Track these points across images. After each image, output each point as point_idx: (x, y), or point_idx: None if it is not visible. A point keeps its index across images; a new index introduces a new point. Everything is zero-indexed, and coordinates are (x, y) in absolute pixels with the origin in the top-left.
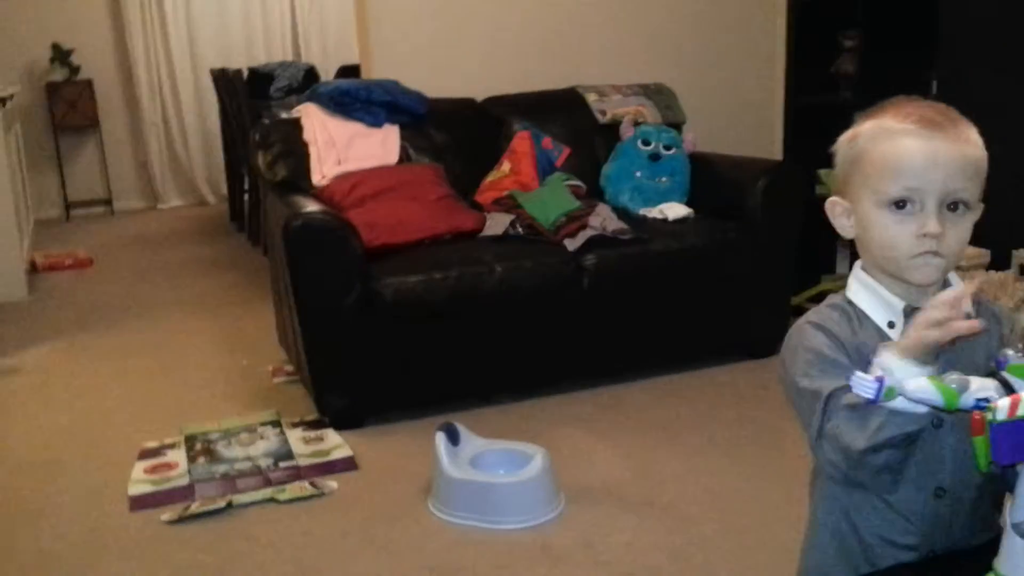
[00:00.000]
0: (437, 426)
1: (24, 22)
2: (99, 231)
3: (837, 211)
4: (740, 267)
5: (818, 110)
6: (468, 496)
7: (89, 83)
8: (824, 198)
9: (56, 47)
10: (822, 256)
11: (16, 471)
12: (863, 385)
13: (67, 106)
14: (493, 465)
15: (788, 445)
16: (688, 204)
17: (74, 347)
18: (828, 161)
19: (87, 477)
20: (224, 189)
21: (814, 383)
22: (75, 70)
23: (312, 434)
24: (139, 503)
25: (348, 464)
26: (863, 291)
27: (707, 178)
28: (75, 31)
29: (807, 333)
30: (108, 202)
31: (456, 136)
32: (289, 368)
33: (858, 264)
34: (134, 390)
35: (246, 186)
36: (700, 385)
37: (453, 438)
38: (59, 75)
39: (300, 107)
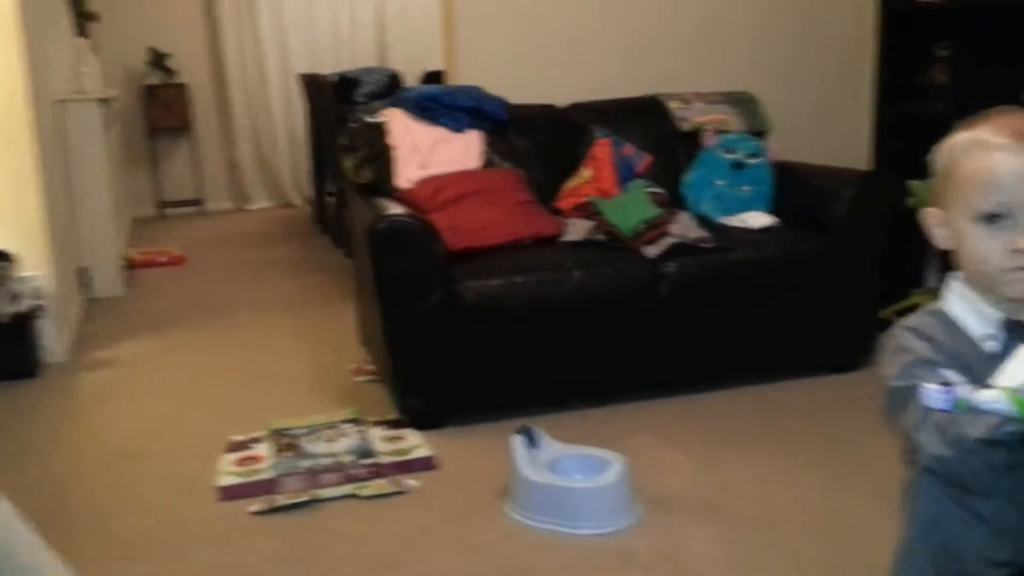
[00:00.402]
0: (515, 429)
1: (125, 27)
2: (191, 230)
3: (933, 222)
4: (824, 279)
5: (908, 120)
6: (545, 500)
7: (184, 87)
8: (914, 210)
9: (153, 51)
10: (911, 269)
11: (113, 459)
12: (934, 397)
13: (162, 108)
14: (570, 470)
15: (873, 462)
16: (771, 214)
17: (167, 341)
18: (918, 172)
19: (178, 467)
20: (309, 192)
21: (913, 380)
22: (171, 74)
23: (393, 433)
24: (227, 494)
25: (427, 464)
26: (959, 302)
27: (791, 187)
28: (172, 36)
29: (904, 337)
30: (199, 202)
31: (537, 142)
32: (371, 368)
33: (954, 275)
34: (223, 385)
35: (331, 189)
36: (780, 398)
37: (531, 441)
38: (156, 78)
39: (386, 111)
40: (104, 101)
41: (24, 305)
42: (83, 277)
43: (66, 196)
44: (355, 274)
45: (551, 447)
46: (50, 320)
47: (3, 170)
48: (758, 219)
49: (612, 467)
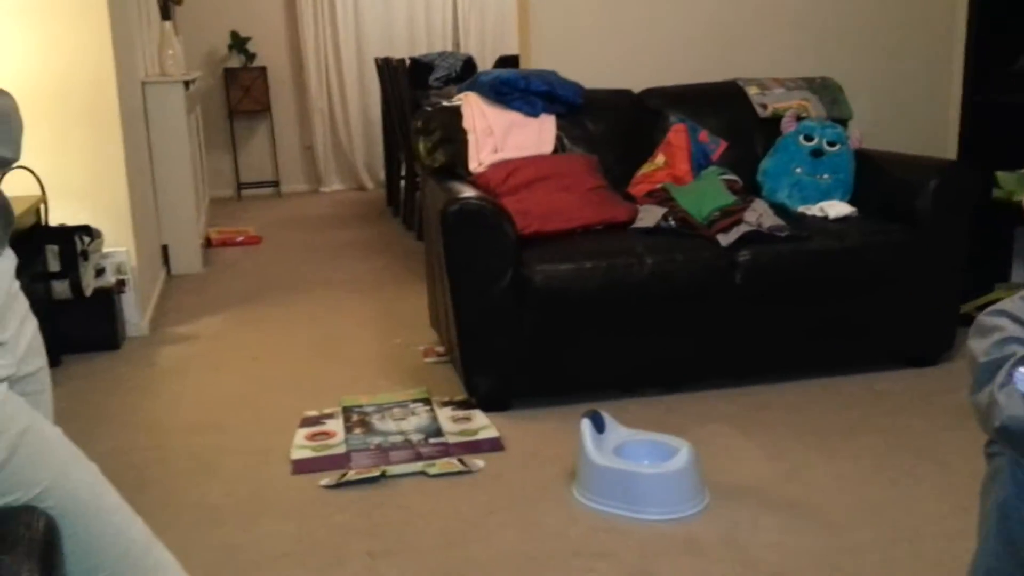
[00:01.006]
0: (583, 413)
1: (207, 11)
2: (267, 211)
3: None
4: (905, 271)
5: (998, 110)
6: (612, 484)
7: (263, 70)
8: (1002, 202)
9: (235, 35)
10: (996, 263)
11: (191, 430)
12: None
13: (242, 91)
14: (637, 455)
15: (949, 459)
16: (851, 203)
17: (244, 318)
18: (1007, 163)
19: (253, 440)
20: (382, 175)
21: (1003, 351)
22: (251, 57)
23: (460, 414)
24: (300, 467)
25: (494, 444)
26: None
27: (873, 177)
28: (252, 20)
29: (996, 318)
30: (276, 184)
31: (611, 127)
32: (440, 349)
33: None
34: (297, 361)
35: (403, 172)
36: (855, 390)
37: (598, 426)
38: (236, 62)
39: (461, 95)
40: (187, 84)
41: (109, 280)
42: (164, 254)
43: (149, 176)
44: (426, 257)
45: (618, 432)
46: (132, 295)
47: (92, 149)
48: (837, 208)
49: (680, 453)
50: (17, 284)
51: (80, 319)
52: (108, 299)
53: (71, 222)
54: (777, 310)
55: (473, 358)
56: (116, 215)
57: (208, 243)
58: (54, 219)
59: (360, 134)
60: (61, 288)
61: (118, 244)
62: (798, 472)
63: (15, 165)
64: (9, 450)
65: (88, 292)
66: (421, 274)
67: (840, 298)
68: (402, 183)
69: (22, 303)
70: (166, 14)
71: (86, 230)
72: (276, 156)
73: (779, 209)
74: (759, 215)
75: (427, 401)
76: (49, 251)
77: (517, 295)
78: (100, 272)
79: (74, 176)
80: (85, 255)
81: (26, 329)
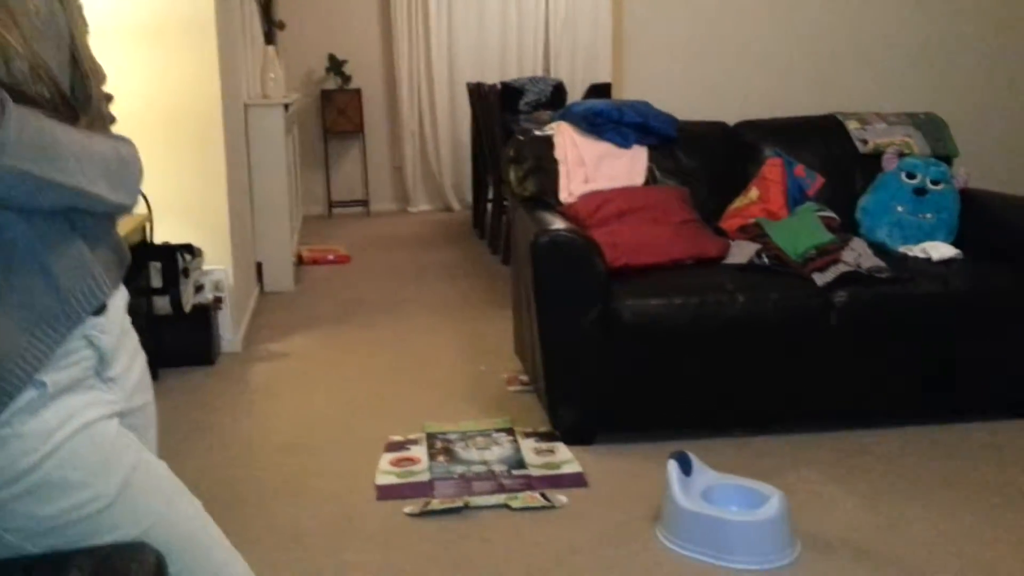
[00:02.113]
0: (670, 454)
1: (307, 35)
2: (356, 229)
3: None
4: (1013, 317)
5: None
6: (699, 529)
7: (358, 92)
8: None
9: (332, 58)
10: None
11: (280, 450)
12: None
13: (337, 112)
14: (726, 500)
15: None
16: (955, 245)
17: (332, 337)
18: None
19: (340, 462)
20: (469, 197)
21: None
22: (347, 79)
23: (544, 446)
24: (385, 493)
25: (577, 480)
26: None
27: (979, 217)
28: (350, 44)
29: None
30: (365, 203)
31: (704, 160)
32: (524, 378)
33: None
34: (382, 383)
35: (490, 195)
36: (958, 441)
37: (685, 467)
38: (333, 84)
39: (553, 125)
40: (286, 106)
41: (207, 296)
42: (259, 272)
43: (248, 195)
44: (513, 283)
45: (706, 475)
46: (228, 311)
47: (197, 170)
48: (940, 250)
49: (771, 501)
50: (128, 320)
51: (178, 334)
52: (206, 315)
53: (174, 240)
54: (875, 354)
55: (558, 390)
56: (216, 233)
57: (300, 261)
58: (158, 236)
59: (449, 156)
60: (162, 304)
61: (217, 262)
62: (895, 525)
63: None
64: (121, 486)
65: (187, 308)
66: (506, 299)
67: (943, 344)
68: (489, 206)
69: (132, 338)
70: (269, 39)
71: (188, 248)
72: (367, 176)
73: (878, 249)
74: (858, 255)
75: (510, 431)
76: (152, 268)
77: (605, 328)
78: (199, 289)
79: (179, 195)
80: (186, 272)
81: (136, 364)
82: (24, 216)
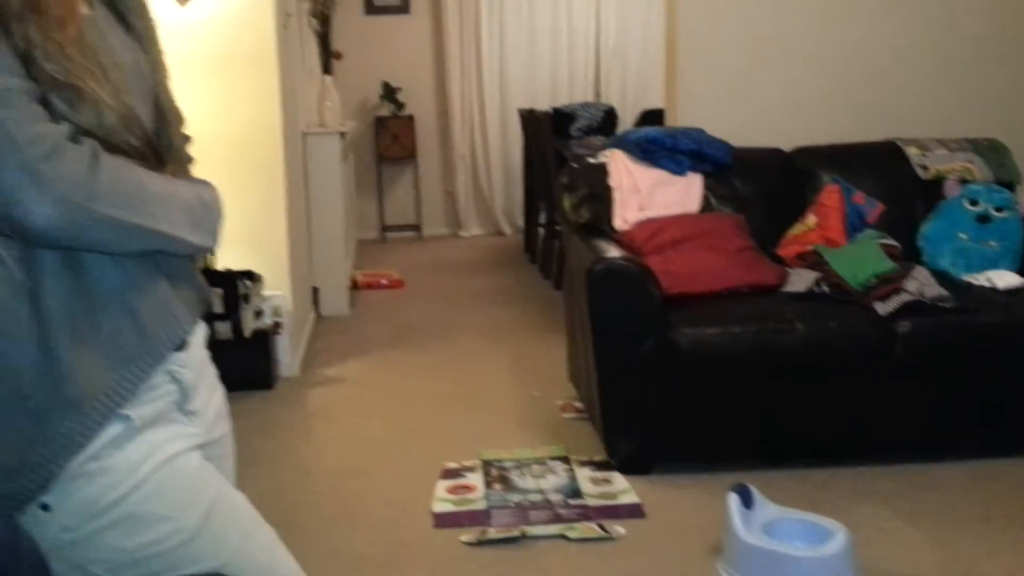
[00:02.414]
0: (730, 487)
1: (362, 63)
2: (409, 254)
3: None
4: None
5: None
6: (763, 564)
7: (411, 118)
8: None
9: (386, 85)
10: None
11: (338, 475)
12: None
13: (391, 138)
14: (788, 535)
15: None
16: (1020, 273)
17: (388, 362)
18: None
19: (396, 488)
20: (520, 221)
21: None
22: (400, 106)
23: (600, 475)
24: (442, 521)
25: (635, 511)
26: None
27: None
28: (403, 71)
29: None
30: (417, 227)
31: (760, 187)
32: (579, 405)
33: None
34: (437, 408)
35: (541, 220)
36: None
37: (746, 500)
38: (386, 111)
39: (607, 152)
40: (342, 134)
41: (266, 322)
42: (315, 297)
43: (305, 221)
44: (566, 309)
45: (767, 509)
46: (286, 336)
47: (258, 197)
48: (1005, 278)
49: (835, 537)
50: (208, 354)
51: (238, 359)
52: (265, 340)
53: (235, 266)
54: (941, 385)
55: (614, 419)
56: (275, 259)
57: (354, 285)
58: (220, 263)
59: (500, 181)
60: (223, 329)
61: (276, 287)
62: (962, 564)
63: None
64: (202, 519)
65: (247, 333)
66: (559, 324)
67: (1009, 374)
68: (540, 231)
69: (212, 371)
70: (327, 68)
71: (248, 274)
72: (419, 200)
73: (941, 277)
74: (921, 284)
75: (566, 459)
76: (214, 294)
77: (662, 357)
78: (259, 314)
79: (240, 222)
80: (247, 298)
81: (215, 397)
82: (113, 259)
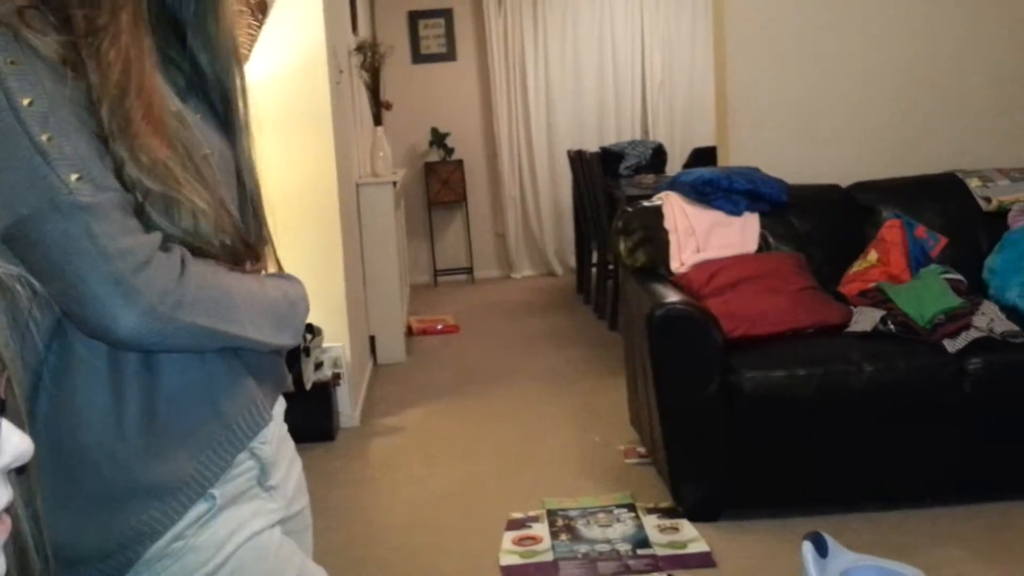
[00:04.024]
0: (804, 535)
1: (411, 111)
2: (462, 297)
3: None
4: None
5: None
6: None
7: (460, 163)
8: None
9: (435, 131)
10: None
11: (403, 528)
12: None
13: (440, 183)
14: None
15: None
16: None
17: (447, 410)
18: None
19: (464, 541)
20: (571, 261)
21: None
22: (449, 151)
23: (667, 523)
24: (510, 573)
25: (705, 560)
26: None
27: None
28: (452, 117)
29: None
30: (469, 270)
31: (819, 224)
32: (642, 450)
33: None
34: (498, 456)
35: (594, 260)
36: None
37: (821, 549)
38: (436, 156)
39: (661, 194)
40: (395, 183)
41: (326, 373)
42: (371, 345)
43: (361, 270)
44: (625, 353)
45: (843, 556)
46: (346, 387)
47: (315, 250)
48: None
49: None
50: (286, 427)
51: (300, 412)
52: (326, 392)
53: None
54: (1014, 422)
55: (680, 466)
56: (334, 311)
57: (410, 332)
58: None
59: (551, 221)
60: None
61: (334, 339)
62: None
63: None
64: None
65: (308, 386)
66: (616, 366)
67: None
68: (593, 271)
69: (290, 445)
70: (378, 119)
71: (308, 327)
72: (471, 243)
73: (1010, 311)
74: (990, 319)
75: (631, 507)
76: None
77: (726, 401)
78: (318, 366)
79: (299, 275)
80: (307, 351)
81: (294, 471)
82: (197, 356)
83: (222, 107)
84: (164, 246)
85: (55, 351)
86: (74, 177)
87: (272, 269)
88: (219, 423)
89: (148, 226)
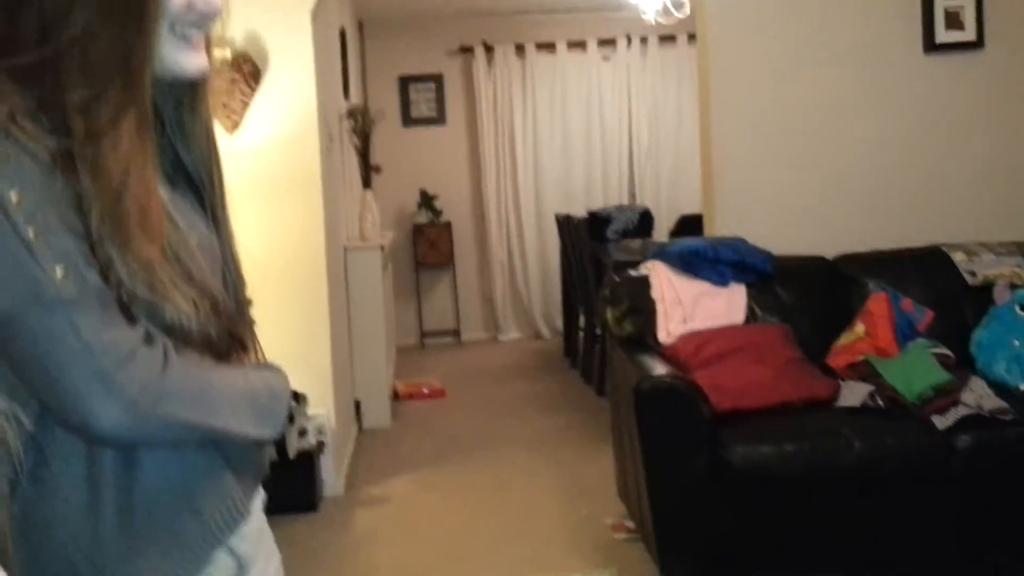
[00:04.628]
0: None
1: (400, 173)
2: (449, 360)
3: None
4: None
5: None
6: None
7: (448, 225)
8: None
9: (423, 193)
10: None
11: None
12: None
13: (428, 245)
14: None
15: None
16: None
17: (432, 479)
18: None
19: None
20: (558, 323)
21: None
22: (438, 214)
23: None
24: None
25: None
26: None
27: None
28: (440, 180)
29: None
30: (456, 332)
31: (805, 295)
32: (630, 524)
33: None
34: (484, 529)
35: (581, 324)
36: None
37: None
38: (424, 218)
39: (648, 264)
40: (383, 247)
41: (310, 441)
42: (356, 410)
43: (347, 335)
44: (613, 423)
45: None
46: (330, 455)
47: (301, 316)
48: None
49: None
50: (264, 519)
51: (282, 481)
52: (309, 461)
53: None
54: (1004, 501)
55: (668, 541)
56: (318, 377)
57: (395, 395)
58: None
59: (538, 284)
60: (267, 452)
61: (319, 405)
62: None
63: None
64: None
65: (292, 455)
66: (604, 433)
67: None
68: (581, 334)
69: (269, 538)
70: (367, 183)
71: (293, 395)
72: (458, 305)
73: (998, 386)
74: (979, 396)
75: None
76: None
77: (715, 476)
78: (303, 434)
79: (285, 342)
80: (292, 419)
81: (271, 565)
82: (176, 450)
83: (202, 195)
84: (147, 338)
85: (33, 446)
86: (59, 272)
87: (254, 357)
88: (196, 520)
89: (130, 319)
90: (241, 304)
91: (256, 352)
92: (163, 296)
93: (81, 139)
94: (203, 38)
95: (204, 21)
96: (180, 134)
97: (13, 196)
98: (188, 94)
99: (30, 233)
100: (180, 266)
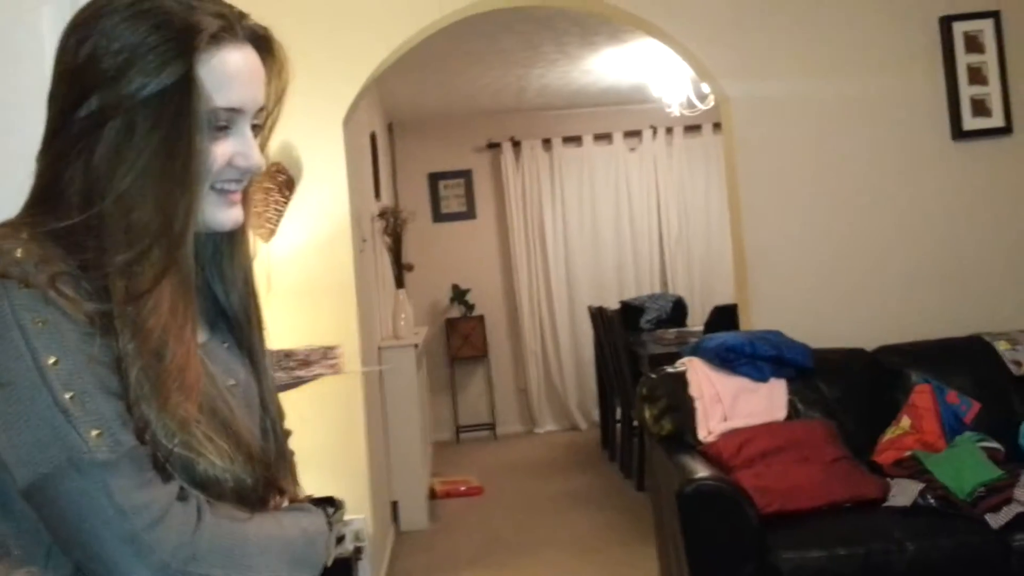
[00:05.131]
0: None
1: (432, 269)
2: (485, 455)
3: None
4: None
5: None
6: None
7: (481, 318)
8: None
9: (455, 288)
10: None
11: None
12: None
13: (461, 339)
14: None
15: None
16: None
17: None
18: None
19: None
20: (594, 415)
21: None
22: (470, 308)
23: None
24: None
25: None
26: None
27: None
28: (472, 274)
29: None
30: (492, 426)
31: (847, 389)
32: None
33: None
34: None
35: (618, 416)
36: None
37: None
38: (457, 312)
39: (685, 360)
40: (416, 345)
41: (348, 548)
42: (393, 512)
43: (383, 436)
44: (655, 522)
45: None
46: (367, 561)
47: (337, 419)
48: None
49: None
50: None
51: None
52: (347, 568)
53: (315, 492)
54: None
55: None
56: (355, 482)
57: (432, 494)
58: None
59: (572, 376)
60: None
61: (356, 510)
62: None
63: None
64: None
65: (329, 563)
66: (646, 532)
67: None
68: (618, 427)
69: None
70: (400, 282)
71: (330, 501)
72: (493, 399)
73: None
74: None
75: None
76: None
77: None
78: (340, 540)
79: (321, 447)
80: (330, 525)
81: None
82: None
83: (240, 337)
84: (180, 495)
85: None
86: (94, 434)
87: (293, 491)
88: None
89: (166, 476)
90: (280, 441)
91: (295, 486)
92: (198, 452)
93: (121, 300)
94: (240, 193)
95: (244, 177)
96: (218, 278)
97: (51, 360)
98: (226, 241)
99: (66, 397)
100: (215, 418)
